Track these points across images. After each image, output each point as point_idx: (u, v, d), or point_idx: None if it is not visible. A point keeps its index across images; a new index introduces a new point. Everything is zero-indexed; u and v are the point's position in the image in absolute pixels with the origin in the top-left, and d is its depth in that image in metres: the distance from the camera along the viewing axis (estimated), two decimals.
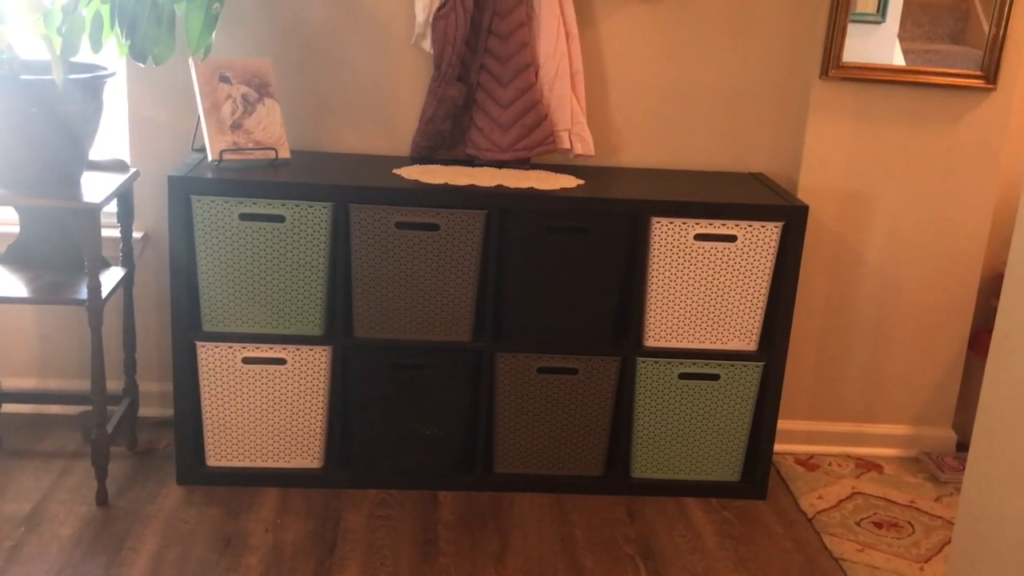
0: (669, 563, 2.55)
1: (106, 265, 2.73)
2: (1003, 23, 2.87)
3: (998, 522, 1.86)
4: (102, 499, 2.63)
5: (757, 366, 2.79)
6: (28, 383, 3.10)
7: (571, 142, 2.91)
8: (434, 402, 2.76)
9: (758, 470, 2.87)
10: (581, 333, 2.75)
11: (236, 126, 2.70)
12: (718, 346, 2.78)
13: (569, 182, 2.77)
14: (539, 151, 2.89)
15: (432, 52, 2.84)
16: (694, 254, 2.70)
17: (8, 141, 2.44)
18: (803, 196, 2.95)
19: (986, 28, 2.90)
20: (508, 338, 2.74)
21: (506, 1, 2.80)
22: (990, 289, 3.16)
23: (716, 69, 2.99)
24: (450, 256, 2.65)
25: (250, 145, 2.71)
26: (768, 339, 2.78)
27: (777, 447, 3.07)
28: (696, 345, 2.78)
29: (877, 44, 2.93)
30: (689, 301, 2.74)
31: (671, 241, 2.68)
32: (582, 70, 2.90)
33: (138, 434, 2.96)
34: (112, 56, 2.58)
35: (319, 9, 2.87)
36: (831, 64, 2.89)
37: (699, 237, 2.69)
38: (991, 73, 2.91)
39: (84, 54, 2.42)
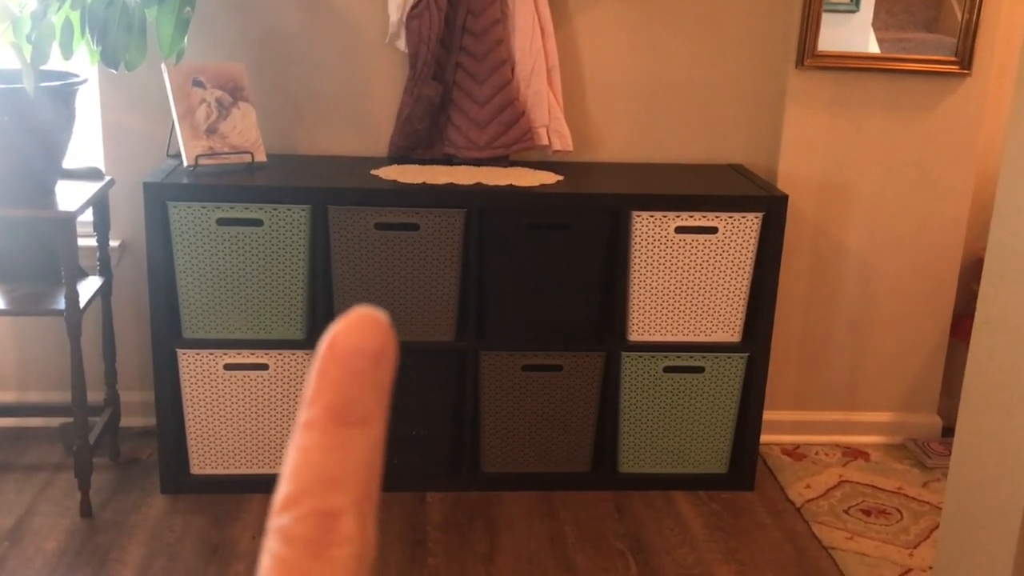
0: (659, 557, 2.55)
1: (83, 275, 2.70)
2: (975, 9, 2.88)
3: (986, 506, 1.86)
4: (86, 511, 2.60)
5: (741, 357, 2.79)
6: (8, 396, 3.06)
7: (549, 138, 2.91)
8: (419, 403, 2.75)
9: (745, 461, 2.87)
10: (565, 329, 2.74)
11: (211, 131, 2.67)
12: (702, 338, 2.78)
13: (548, 178, 2.77)
14: (517, 148, 2.88)
15: (407, 51, 2.83)
16: (675, 247, 2.70)
17: None
18: (782, 186, 2.95)
19: (959, 15, 2.91)
20: (491, 337, 2.73)
21: None
22: (971, 274, 3.17)
23: (692, 61, 2.99)
24: (431, 256, 2.63)
25: (226, 149, 2.69)
26: (751, 330, 2.78)
27: (763, 438, 3.07)
28: (680, 338, 2.77)
29: (851, 33, 2.94)
30: (672, 294, 2.73)
31: (652, 234, 2.68)
32: (558, 66, 2.89)
33: (121, 444, 2.93)
34: (83, 63, 2.55)
35: (291, 11, 2.85)
36: (807, 53, 2.89)
37: (680, 230, 2.68)
38: (965, 58, 2.92)
39: (55, 61, 2.40)
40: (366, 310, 0.35)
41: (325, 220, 2.59)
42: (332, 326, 0.35)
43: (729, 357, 2.79)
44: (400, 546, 2.54)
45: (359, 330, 0.35)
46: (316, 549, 0.32)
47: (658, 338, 2.77)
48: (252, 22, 2.85)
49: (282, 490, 0.33)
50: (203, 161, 2.64)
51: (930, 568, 2.50)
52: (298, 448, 0.34)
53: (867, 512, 2.80)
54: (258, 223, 2.57)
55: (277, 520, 0.33)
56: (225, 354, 2.66)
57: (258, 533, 2.57)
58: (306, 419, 0.34)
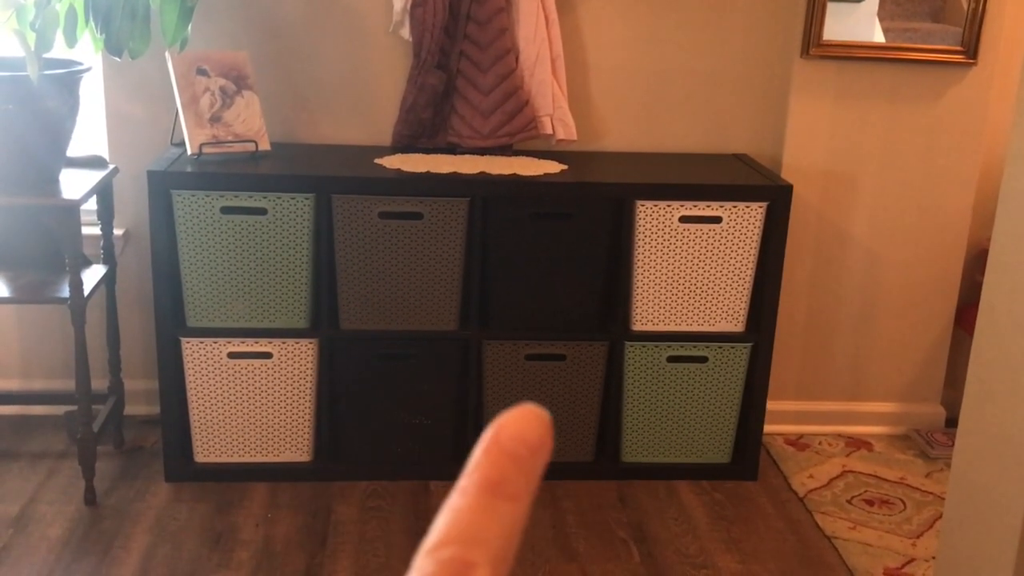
0: (662, 546, 2.55)
1: (87, 263, 2.70)
2: None
3: (989, 496, 1.86)
4: (90, 499, 2.61)
5: (745, 347, 2.79)
6: (12, 384, 3.07)
7: (553, 127, 2.90)
8: (422, 392, 2.75)
9: (748, 451, 2.87)
10: (568, 319, 2.74)
11: (215, 119, 2.67)
12: (706, 328, 2.78)
13: (552, 167, 2.76)
14: (521, 137, 2.87)
15: (411, 40, 2.82)
16: (679, 236, 2.69)
17: None
18: (787, 176, 2.94)
19: (965, 4, 2.90)
20: (495, 326, 2.73)
21: None
22: (975, 264, 3.17)
23: (697, 50, 2.98)
24: (434, 245, 2.63)
25: (229, 138, 2.68)
26: (755, 320, 2.78)
27: (767, 428, 3.07)
28: (684, 328, 2.77)
29: (857, 23, 2.93)
30: (675, 284, 2.73)
31: (656, 224, 2.68)
32: (562, 54, 2.88)
33: (125, 432, 2.93)
34: (87, 51, 2.55)
35: None
36: (812, 43, 2.88)
37: (684, 219, 2.68)
38: (971, 48, 2.91)
39: (59, 49, 2.40)
40: (532, 407, 0.40)
41: (329, 209, 2.59)
42: (501, 415, 0.39)
43: (733, 347, 2.78)
44: (403, 535, 2.55)
45: (524, 423, 0.39)
46: None
47: (662, 328, 2.77)
48: (256, 10, 2.84)
49: (430, 538, 0.37)
50: (207, 149, 2.64)
51: (933, 558, 2.50)
52: (450, 507, 0.38)
53: (870, 502, 2.81)
54: (262, 212, 2.57)
55: (421, 561, 0.37)
56: (229, 342, 2.66)
57: (262, 521, 2.58)
58: (463, 485, 0.38)
